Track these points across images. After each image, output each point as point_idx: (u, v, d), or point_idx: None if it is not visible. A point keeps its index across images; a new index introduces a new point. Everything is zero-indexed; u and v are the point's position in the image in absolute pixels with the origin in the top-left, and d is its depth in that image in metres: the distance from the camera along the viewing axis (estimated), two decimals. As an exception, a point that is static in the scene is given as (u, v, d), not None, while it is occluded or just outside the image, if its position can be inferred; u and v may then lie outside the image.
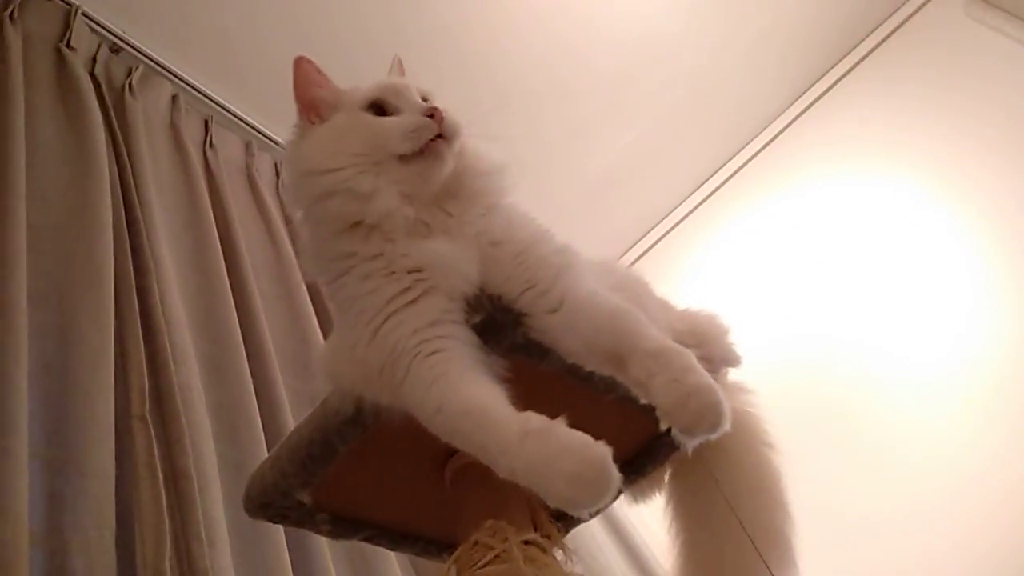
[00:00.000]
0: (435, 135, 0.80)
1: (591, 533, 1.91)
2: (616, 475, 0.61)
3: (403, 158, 0.80)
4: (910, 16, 2.61)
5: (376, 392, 0.77)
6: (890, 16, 2.65)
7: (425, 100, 0.86)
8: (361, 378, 0.77)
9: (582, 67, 2.45)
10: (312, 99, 0.86)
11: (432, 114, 0.80)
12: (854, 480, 2.12)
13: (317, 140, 0.84)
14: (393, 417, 0.76)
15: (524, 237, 0.82)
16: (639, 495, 1.07)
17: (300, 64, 0.87)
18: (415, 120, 0.80)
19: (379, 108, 0.84)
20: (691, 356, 0.69)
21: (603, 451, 0.61)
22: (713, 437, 0.66)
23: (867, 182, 2.51)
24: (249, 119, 2.12)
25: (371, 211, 0.78)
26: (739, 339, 1.06)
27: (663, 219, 3.00)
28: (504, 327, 0.77)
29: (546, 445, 0.62)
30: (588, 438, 0.62)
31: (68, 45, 1.67)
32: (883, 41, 2.65)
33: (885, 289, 2.33)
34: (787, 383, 2.20)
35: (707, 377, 0.67)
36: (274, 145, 2.16)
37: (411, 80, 0.89)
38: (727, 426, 0.66)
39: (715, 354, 1.02)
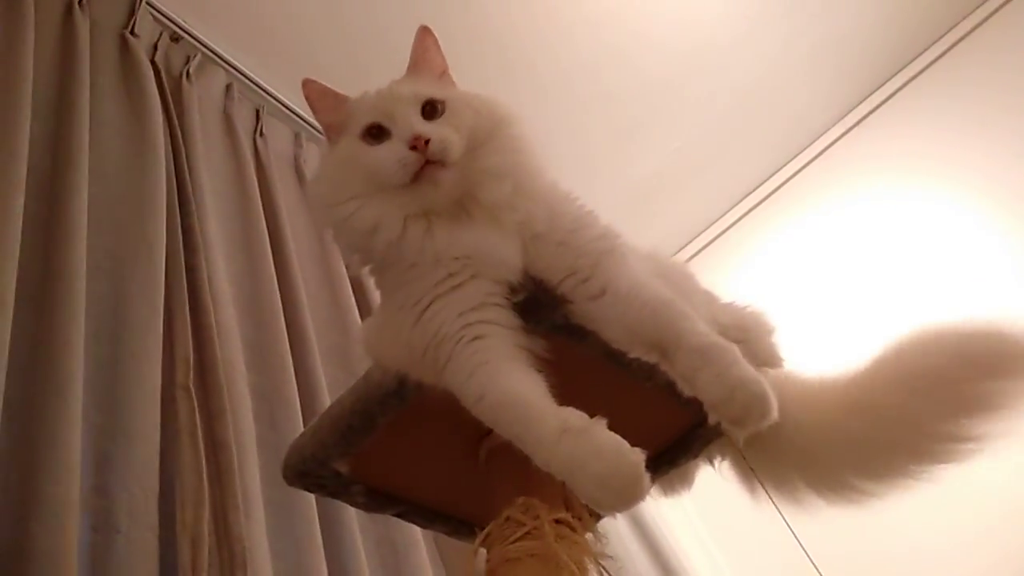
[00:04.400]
0: (423, 163, 0.77)
1: (619, 535, 1.91)
2: (647, 483, 0.62)
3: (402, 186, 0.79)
4: (967, 33, 2.57)
5: (420, 373, 0.79)
6: (948, 32, 2.61)
7: (430, 106, 0.83)
8: (405, 360, 0.79)
9: (630, 73, 2.46)
10: (323, 123, 0.89)
11: (415, 145, 0.77)
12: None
13: (324, 171, 0.88)
14: (435, 393, 0.78)
15: (566, 224, 0.82)
16: (668, 488, 1.07)
17: (306, 87, 0.89)
18: (398, 155, 0.78)
19: (377, 132, 0.82)
20: (735, 350, 0.70)
21: (636, 459, 0.62)
22: (763, 427, 0.67)
23: (918, 200, 2.47)
24: (299, 110, 2.17)
25: (376, 244, 0.80)
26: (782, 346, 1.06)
27: (707, 228, 2.99)
28: (545, 307, 0.78)
29: (582, 445, 0.64)
30: (624, 443, 0.63)
31: (132, 32, 1.74)
32: (939, 58, 2.62)
33: (935, 310, 2.28)
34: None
35: (752, 370, 0.68)
36: (322, 137, 2.20)
37: (415, 84, 0.86)
38: (775, 415, 0.66)
39: (758, 353, 1.01)
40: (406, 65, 0.92)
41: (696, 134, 2.68)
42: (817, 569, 0.92)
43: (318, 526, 1.31)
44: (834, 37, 2.54)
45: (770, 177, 2.88)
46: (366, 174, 0.80)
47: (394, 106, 0.82)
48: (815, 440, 0.87)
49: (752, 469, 0.94)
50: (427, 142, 0.77)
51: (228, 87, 2.00)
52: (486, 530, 0.83)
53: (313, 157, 2.19)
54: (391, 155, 0.79)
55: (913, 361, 0.83)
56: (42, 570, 0.91)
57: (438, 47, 0.91)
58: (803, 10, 2.43)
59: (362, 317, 1.81)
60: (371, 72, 0.91)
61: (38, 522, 0.94)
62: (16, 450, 1.01)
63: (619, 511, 0.65)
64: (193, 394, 1.21)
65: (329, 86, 0.89)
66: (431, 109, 0.82)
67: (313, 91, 0.89)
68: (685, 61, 2.48)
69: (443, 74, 0.91)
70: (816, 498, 0.90)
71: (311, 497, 1.33)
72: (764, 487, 0.96)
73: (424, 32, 0.90)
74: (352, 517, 1.38)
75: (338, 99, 0.88)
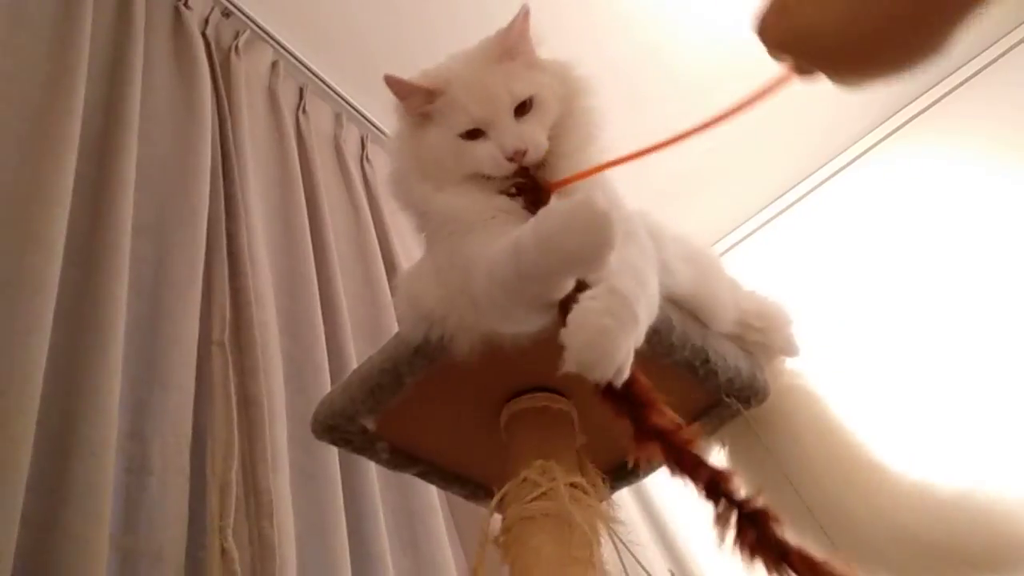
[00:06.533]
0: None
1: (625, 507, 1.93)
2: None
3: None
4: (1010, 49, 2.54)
5: (456, 310, 0.80)
6: (989, 47, 2.58)
7: (522, 108, 0.84)
8: (442, 297, 0.81)
9: (662, 72, 2.46)
10: (412, 110, 0.88)
11: (513, 157, 0.81)
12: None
13: (417, 156, 0.87)
14: (460, 347, 0.80)
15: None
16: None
17: (389, 83, 0.87)
18: (496, 160, 0.82)
19: (474, 132, 0.84)
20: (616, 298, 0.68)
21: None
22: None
23: (953, 210, 2.45)
24: (342, 91, 2.22)
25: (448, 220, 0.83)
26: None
27: (735, 229, 2.99)
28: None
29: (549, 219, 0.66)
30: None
31: (186, 5, 1.80)
32: (981, 70, 2.58)
33: (969, 329, 2.25)
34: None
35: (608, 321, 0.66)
36: (362, 119, 2.26)
37: (508, 80, 0.85)
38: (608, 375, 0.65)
39: (776, 341, 1.04)
40: (451, 48, 0.91)
41: (727, 136, 2.67)
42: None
43: (341, 488, 1.35)
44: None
45: (804, 180, 2.87)
46: (461, 168, 0.84)
47: (492, 111, 0.83)
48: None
49: (768, 449, 0.96)
50: (524, 153, 0.81)
51: (274, 64, 2.05)
52: (503, 489, 0.85)
53: (352, 138, 2.24)
54: (488, 156, 0.82)
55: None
56: (79, 504, 0.96)
57: (528, 31, 0.89)
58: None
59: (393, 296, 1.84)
60: (416, 55, 0.92)
61: (78, 460, 0.99)
62: (58, 393, 1.06)
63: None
64: (228, 351, 1.26)
65: (410, 80, 0.87)
66: (522, 106, 0.84)
67: (396, 85, 0.87)
68: (720, 63, 2.47)
69: (530, 54, 0.89)
70: None
71: (335, 462, 1.37)
72: (783, 469, 0.97)
73: (524, 17, 0.88)
74: (373, 484, 1.42)
75: (416, 90, 0.86)
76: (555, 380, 0.93)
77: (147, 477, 1.05)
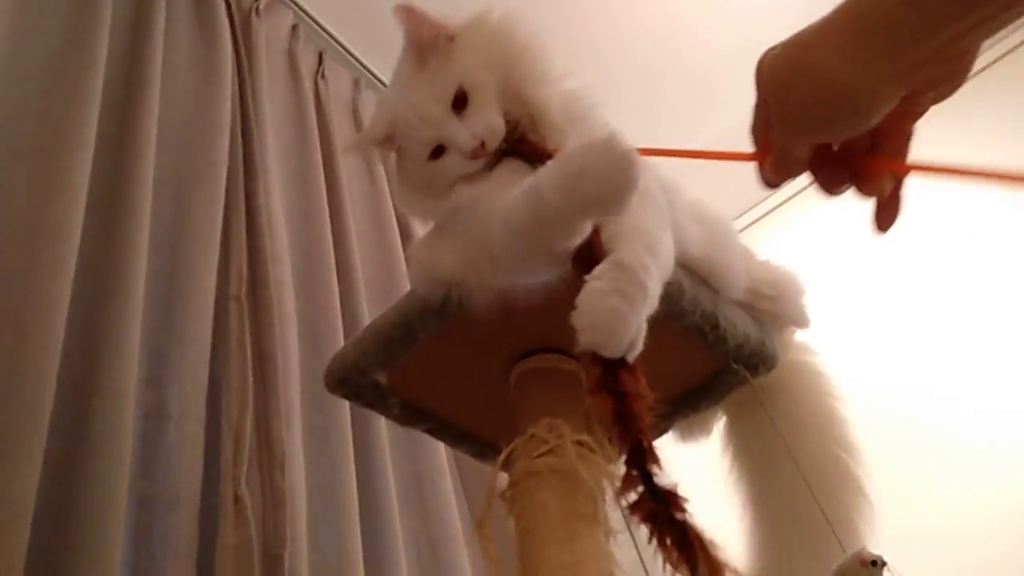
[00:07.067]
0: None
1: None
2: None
3: None
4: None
5: (473, 270, 0.80)
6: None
7: (461, 102, 0.81)
8: (458, 262, 0.81)
9: (696, 43, 2.45)
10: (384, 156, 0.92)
11: (476, 154, 0.80)
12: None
13: (407, 185, 0.90)
14: (478, 306, 0.82)
15: None
16: (687, 434, 1.11)
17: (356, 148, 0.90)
18: (464, 165, 0.82)
19: (436, 151, 0.83)
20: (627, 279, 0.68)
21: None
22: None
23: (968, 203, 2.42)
24: (361, 57, 2.22)
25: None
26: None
27: (748, 211, 2.98)
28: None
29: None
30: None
31: (208, -36, 1.80)
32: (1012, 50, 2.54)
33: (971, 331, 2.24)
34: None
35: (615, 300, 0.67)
36: (380, 85, 2.26)
37: (432, 88, 0.82)
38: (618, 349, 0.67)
39: (787, 311, 1.05)
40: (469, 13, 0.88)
41: (746, 115, 2.66)
42: (833, 529, 0.94)
43: (352, 447, 1.37)
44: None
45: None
46: (445, 182, 0.84)
47: (433, 126, 0.82)
48: None
49: (771, 418, 0.97)
50: (483, 144, 0.80)
51: (294, 27, 2.06)
52: (511, 445, 0.87)
53: (370, 103, 2.24)
54: (456, 164, 0.83)
55: None
56: (99, 447, 0.99)
57: (424, 18, 0.84)
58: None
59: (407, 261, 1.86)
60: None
61: (100, 402, 1.01)
62: (80, 338, 1.08)
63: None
64: (244, 305, 1.28)
65: (367, 137, 0.91)
66: (458, 100, 0.82)
67: (364, 148, 0.94)
68: (738, 45, 2.46)
69: (440, 39, 0.84)
70: None
71: (347, 421, 1.39)
72: (785, 441, 0.99)
73: (404, 13, 0.83)
74: (384, 444, 1.45)
75: (379, 125, 0.87)
76: (565, 341, 0.94)
77: (165, 423, 1.08)
